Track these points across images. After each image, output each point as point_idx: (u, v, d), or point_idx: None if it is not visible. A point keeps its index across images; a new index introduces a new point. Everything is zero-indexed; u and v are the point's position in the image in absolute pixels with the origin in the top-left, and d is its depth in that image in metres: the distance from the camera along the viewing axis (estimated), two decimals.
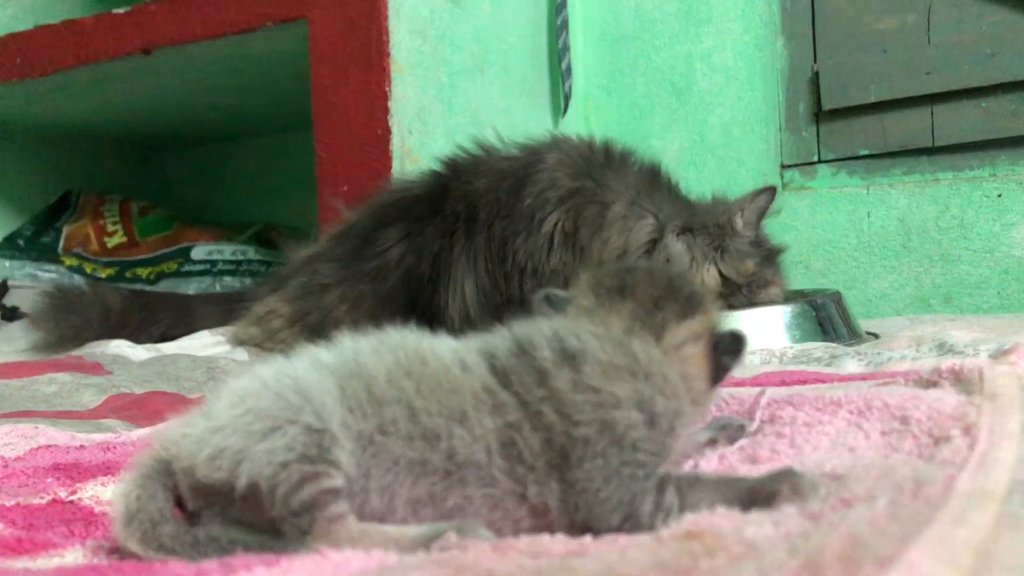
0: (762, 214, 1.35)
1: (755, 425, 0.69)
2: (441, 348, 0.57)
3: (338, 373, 0.55)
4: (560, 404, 0.53)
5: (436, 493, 0.53)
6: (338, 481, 0.51)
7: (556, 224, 1.34)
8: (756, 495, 0.51)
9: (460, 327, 1.35)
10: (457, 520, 0.52)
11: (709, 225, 1.33)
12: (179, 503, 0.55)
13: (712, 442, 0.65)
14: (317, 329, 1.45)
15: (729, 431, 0.67)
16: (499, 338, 0.57)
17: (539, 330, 0.56)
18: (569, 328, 0.56)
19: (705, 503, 0.51)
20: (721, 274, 1.31)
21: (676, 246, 1.32)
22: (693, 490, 0.52)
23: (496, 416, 0.53)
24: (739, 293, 1.32)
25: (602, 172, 1.37)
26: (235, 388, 0.56)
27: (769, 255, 1.36)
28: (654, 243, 1.32)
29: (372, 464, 0.53)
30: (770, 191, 1.35)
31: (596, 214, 1.33)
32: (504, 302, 1.36)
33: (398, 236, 1.43)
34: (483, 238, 1.37)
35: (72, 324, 1.59)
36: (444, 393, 0.54)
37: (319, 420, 0.52)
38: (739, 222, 1.33)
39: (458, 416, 0.53)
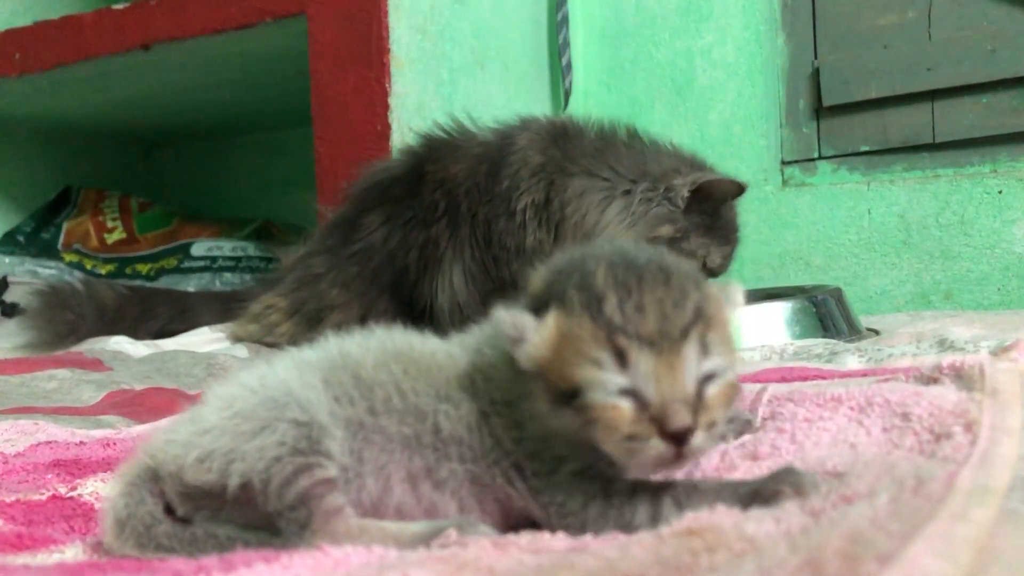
0: (720, 200, 1.33)
1: (756, 421, 0.69)
2: (426, 339, 0.59)
3: (322, 367, 0.56)
4: (501, 419, 0.54)
5: (431, 466, 0.54)
6: (331, 471, 0.52)
7: (528, 201, 1.35)
8: (758, 498, 0.51)
9: (450, 317, 1.37)
10: (457, 517, 0.52)
11: (660, 180, 1.31)
12: (168, 510, 0.55)
13: (721, 437, 0.65)
14: (314, 317, 1.47)
15: (736, 425, 0.67)
16: (470, 338, 0.58)
17: (486, 338, 0.57)
18: (487, 343, 0.56)
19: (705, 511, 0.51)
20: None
21: (614, 212, 1.31)
22: (691, 500, 0.51)
23: (474, 400, 0.55)
24: None
25: (564, 143, 1.38)
26: (221, 393, 0.56)
27: (711, 228, 1.32)
28: (604, 210, 1.32)
29: (365, 447, 0.54)
30: (736, 184, 1.32)
31: (562, 184, 1.34)
32: (496, 286, 1.37)
33: (380, 219, 1.45)
34: (468, 227, 1.39)
35: (66, 321, 1.60)
36: (430, 375, 0.56)
37: (305, 414, 0.53)
38: (684, 193, 1.30)
39: (443, 395, 0.55)
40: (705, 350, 0.49)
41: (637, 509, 0.51)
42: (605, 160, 1.35)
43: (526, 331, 0.51)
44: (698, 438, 0.49)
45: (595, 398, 0.49)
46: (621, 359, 0.49)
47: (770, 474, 0.53)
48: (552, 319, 0.51)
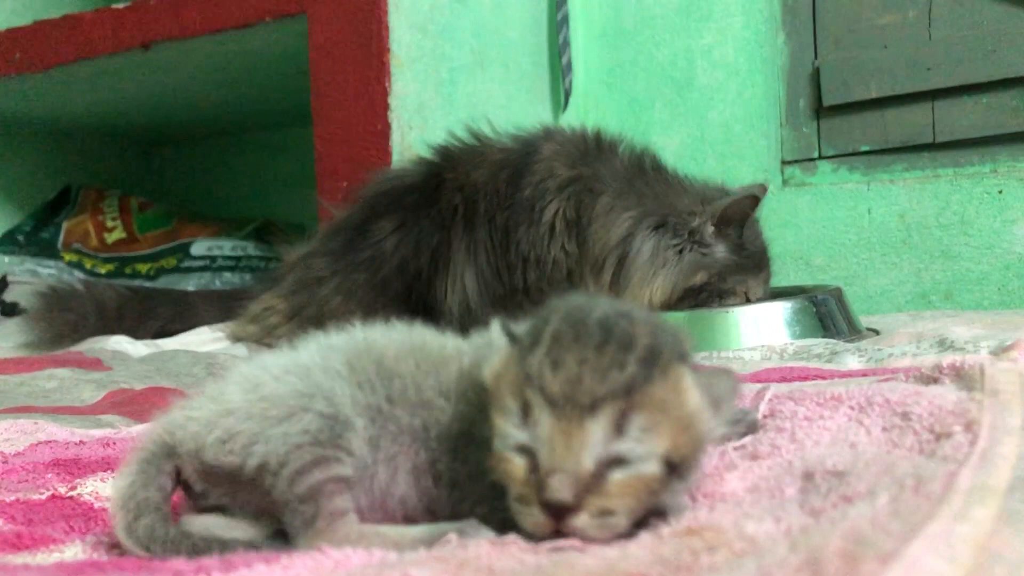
0: (742, 222, 1.33)
1: (759, 418, 0.69)
2: (439, 334, 0.59)
3: (348, 352, 0.56)
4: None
5: (433, 460, 0.54)
6: (347, 470, 0.52)
7: (556, 212, 1.36)
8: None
9: (460, 319, 1.36)
10: (458, 522, 0.52)
11: (681, 225, 1.33)
12: (185, 487, 0.56)
13: (726, 438, 0.65)
14: (314, 322, 1.46)
15: (742, 426, 0.67)
16: (479, 339, 0.58)
17: (485, 342, 0.56)
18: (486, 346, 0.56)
19: None
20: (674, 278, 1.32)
21: (645, 245, 1.32)
22: None
23: (464, 401, 0.54)
24: (689, 300, 1.31)
25: (595, 161, 1.38)
26: (246, 374, 0.56)
27: (743, 266, 1.34)
28: (630, 236, 1.33)
29: (382, 434, 0.54)
30: (751, 198, 1.32)
31: (591, 203, 1.35)
32: (507, 292, 1.37)
33: (392, 226, 1.44)
34: (484, 231, 1.38)
35: (67, 321, 1.60)
36: (437, 369, 0.56)
37: (331, 407, 0.53)
38: (708, 229, 1.32)
39: (444, 390, 0.55)
40: (620, 430, 0.45)
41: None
42: (633, 188, 1.36)
43: (492, 350, 0.50)
44: (582, 520, 0.45)
45: (497, 446, 0.48)
46: (526, 413, 0.46)
47: None
48: (503, 351, 0.49)
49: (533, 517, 0.46)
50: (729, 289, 1.33)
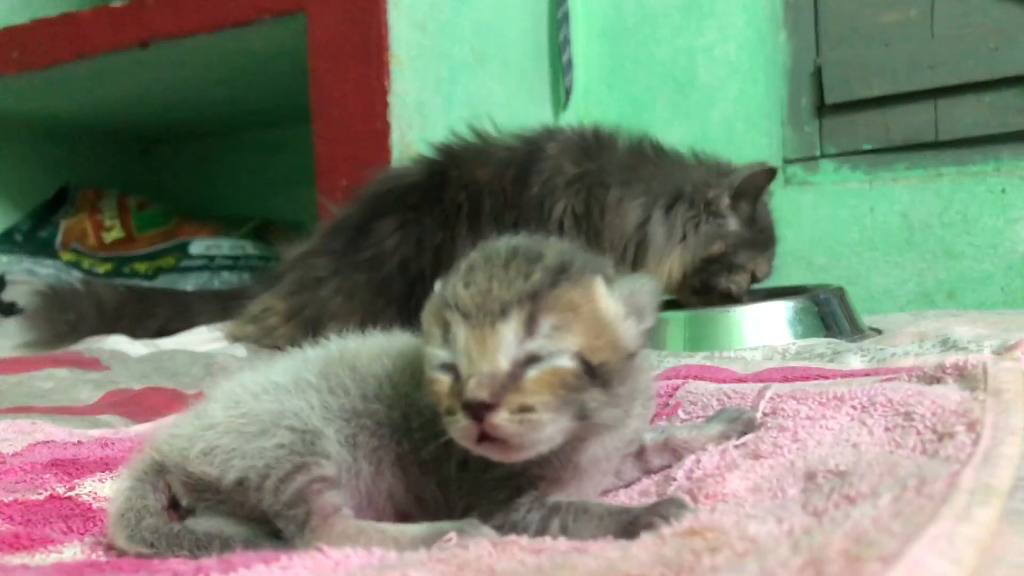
0: (757, 194, 1.35)
1: (757, 417, 0.69)
2: (413, 338, 0.61)
3: (320, 362, 0.58)
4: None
5: (417, 448, 0.55)
6: (329, 470, 0.53)
7: (565, 209, 1.37)
8: (631, 529, 0.50)
9: None
10: (458, 520, 0.52)
11: (696, 197, 1.34)
12: (174, 504, 0.57)
13: (725, 436, 0.65)
14: (313, 323, 1.45)
15: (739, 424, 0.66)
16: None
17: None
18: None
19: (588, 533, 0.50)
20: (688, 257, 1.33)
21: (659, 228, 1.34)
22: (578, 523, 0.51)
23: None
24: (701, 274, 1.32)
25: (597, 155, 1.40)
26: (227, 391, 0.58)
27: (755, 241, 1.36)
28: (645, 221, 1.34)
29: (359, 432, 0.55)
30: (767, 172, 1.34)
31: (602, 195, 1.36)
32: None
33: (394, 225, 1.43)
34: (490, 229, 1.38)
35: (66, 321, 1.60)
36: (413, 366, 0.57)
37: (300, 422, 0.54)
38: (724, 201, 1.33)
39: (420, 384, 0.55)
40: (531, 331, 0.47)
41: (528, 522, 0.51)
42: (638, 174, 1.38)
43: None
44: (501, 417, 0.46)
45: (427, 372, 0.50)
46: (446, 333, 0.49)
47: (650, 505, 0.52)
48: (433, 295, 0.52)
49: (459, 423, 0.48)
50: (740, 264, 1.35)
